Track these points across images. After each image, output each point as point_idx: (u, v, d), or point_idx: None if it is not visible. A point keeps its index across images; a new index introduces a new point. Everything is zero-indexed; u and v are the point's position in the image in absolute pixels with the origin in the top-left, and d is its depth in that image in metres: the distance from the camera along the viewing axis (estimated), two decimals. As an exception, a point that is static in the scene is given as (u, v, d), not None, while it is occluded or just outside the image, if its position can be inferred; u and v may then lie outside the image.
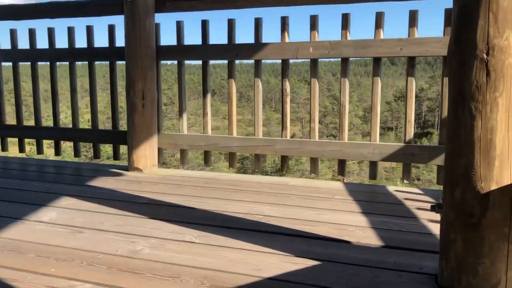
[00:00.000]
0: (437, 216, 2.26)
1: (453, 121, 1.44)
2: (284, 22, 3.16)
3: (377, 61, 2.98)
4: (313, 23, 3.09)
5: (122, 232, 2.11)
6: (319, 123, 3.21)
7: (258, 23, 3.22)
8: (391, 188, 2.92)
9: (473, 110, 1.38)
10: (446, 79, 2.83)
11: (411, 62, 2.92)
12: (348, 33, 3.02)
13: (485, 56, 1.35)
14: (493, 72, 1.35)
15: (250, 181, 3.11)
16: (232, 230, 2.13)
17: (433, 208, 1.58)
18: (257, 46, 3.21)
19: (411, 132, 2.97)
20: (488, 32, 1.34)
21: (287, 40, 3.17)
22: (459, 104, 1.41)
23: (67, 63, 3.82)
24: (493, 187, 1.38)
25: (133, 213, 2.40)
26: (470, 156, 1.39)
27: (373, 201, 2.63)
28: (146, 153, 3.45)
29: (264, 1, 3.13)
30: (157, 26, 3.49)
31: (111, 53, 3.64)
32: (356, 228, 2.15)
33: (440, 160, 2.85)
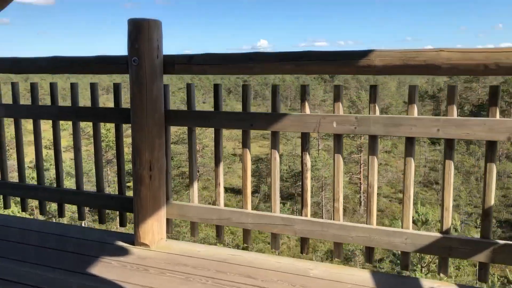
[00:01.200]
0: None
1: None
2: (304, 91, 2.84)
3: (410, 140, 2.64)
4: (337, 94, 2.77)
5: None
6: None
7: (275, 90, 2.90)
8: (425, 285, 2.59)
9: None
10: (489, 165, 2.49)
11: (450, 144, 2.57)
12: (377, 107, 2.69)
13: None
14: None
15: (268, 269, 2.81)
16: None
17: None
18: (275, 116, 2.90)
19: (449, 221, 2.62)
20: None
21: (307, 111, 2.85)
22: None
23: (70, 122, 3.58)
24: None
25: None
26: None
27: (407, 312, 2.31)
28: (154, 228, 3.17)
29: (281, 69, 2.81)
30: (165, 88, 3.20)
31: (116, 115, 3.36)
32: None
33: (483, 256, 2.51)
